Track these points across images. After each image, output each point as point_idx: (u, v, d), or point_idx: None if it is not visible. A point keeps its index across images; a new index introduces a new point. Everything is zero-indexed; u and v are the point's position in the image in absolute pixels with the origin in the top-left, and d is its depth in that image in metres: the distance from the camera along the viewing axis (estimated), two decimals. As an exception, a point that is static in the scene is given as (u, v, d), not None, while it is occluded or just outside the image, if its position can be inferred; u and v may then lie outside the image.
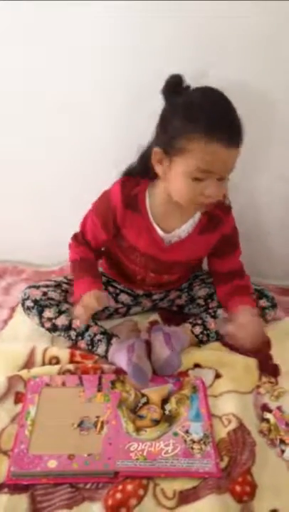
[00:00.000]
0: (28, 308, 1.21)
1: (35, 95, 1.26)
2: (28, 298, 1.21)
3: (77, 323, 1.18)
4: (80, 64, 1.20)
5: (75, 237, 1.23)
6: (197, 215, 1.14)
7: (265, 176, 1.35)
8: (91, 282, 1.13)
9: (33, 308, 1.20)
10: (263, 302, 1.26)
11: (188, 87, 0.98)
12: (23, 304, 1.22)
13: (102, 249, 1.28)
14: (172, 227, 1.13)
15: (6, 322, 1.32)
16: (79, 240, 1.22)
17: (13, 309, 1.37)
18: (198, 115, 0.92)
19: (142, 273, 1.24)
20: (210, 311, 1.28)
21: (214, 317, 1.25)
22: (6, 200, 1.47)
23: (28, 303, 1.21)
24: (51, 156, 1.36)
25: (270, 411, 1.05)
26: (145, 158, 1.07)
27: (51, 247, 1.55)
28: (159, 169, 1.02)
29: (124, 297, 1.34)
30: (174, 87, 0.97)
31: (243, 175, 1.22)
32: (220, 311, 1.25)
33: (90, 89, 1.23)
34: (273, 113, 1.24)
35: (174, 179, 1.00)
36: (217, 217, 1.14)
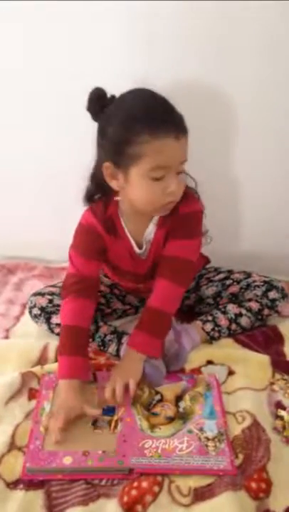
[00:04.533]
0: (36, 316, 1.22)
1: (36, 90, 1.26)
2: (34, 306, 1.22)
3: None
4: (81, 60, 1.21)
5: (65, 286, 1.14)
6: (155, 218, 1.12)
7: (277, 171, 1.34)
8: (72, 367, 1.04)
9: (40, 315, 1.21)
10: (273, 294, 1.25)
11: (113, 96, 0.99)
12: (30, 312, 1.24)
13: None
14: (143, 235, 1.13)
15: (18, 318, 1.33)
16: (70, 288, 1.12)
17: (24, 306, 1.37)
18: (136, 117, 0.93)
19: (133, 287, 1.26)
20: (220, 307, 1.27)
21: (225, 313, 1.24)
22: (17, 197, 1.47)
23: (35, 311, 1.22)
24: (64, 152, 1.36)
25: (284, 408, 1.05)
26: (96, 177, 1.05)
27: (62, 244, 1.54)
28: (114, 184, 1.01)
29: (130, 299, 1.34)
30: (99, 100, 0.97)
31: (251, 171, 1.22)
32: (230, 307, 1.25)
33: (93, 84, 1.23)
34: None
35: (133, 187, 0.98)
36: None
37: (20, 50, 1.21)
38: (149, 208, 1.02)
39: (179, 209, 1.08)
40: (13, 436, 0.97)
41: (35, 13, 1.15)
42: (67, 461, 0.91)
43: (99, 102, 0.97)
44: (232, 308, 1.24)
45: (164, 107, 0.94)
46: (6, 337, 1.27)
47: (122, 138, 0.94)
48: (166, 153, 0.93)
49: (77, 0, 1.10)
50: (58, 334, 1.20)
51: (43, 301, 1.22)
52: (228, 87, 1.19)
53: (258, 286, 1.27)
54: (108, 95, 0.98)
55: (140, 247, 1.15)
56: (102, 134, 1.00)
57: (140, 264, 1.17)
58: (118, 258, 1.17)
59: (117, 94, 1.15)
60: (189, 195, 1.10)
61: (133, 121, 0.93)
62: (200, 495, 0.87)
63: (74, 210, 1.39)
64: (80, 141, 1.31)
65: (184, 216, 1.09)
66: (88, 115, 1.26)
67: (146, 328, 1.10)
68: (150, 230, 1.13)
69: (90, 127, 1.28)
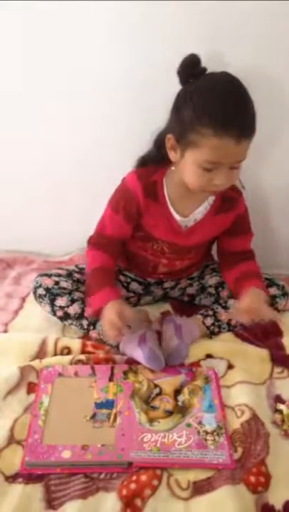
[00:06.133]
0: (40, 296, 1.21)
1: (36, 87, 1.25)
2: (40, 286, 1.21)
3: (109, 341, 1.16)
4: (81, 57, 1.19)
5: (91, 240, 1.21)
6: (211, 197, 1.15)
7: (272, 166, 1.34)
8: (110, 293, 1.10)
9: (45, 296, 1.20)
10: (274, 290, 1.25)
11: (204, 69, 0.97)
12: (34, 292, 1.22)
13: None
14: (188, 212, 1.14)
15: (16, 312, 1.32)
16: (95, 241, 1.20)
17: (23, 299, 1.37)
18: (207, 110, 0.92)
19: (154, 261, 1.24)
20: (221, 301, 1.27)
21: (225, 308, 1.24)
22: (16, 191, 1.46)
23: (40, 291, 1.21)
24: (56, 147, 1.35)
25: (283, 402, 1.05)
26: (159, 143, 1.07)
27: (61, 238, 1.55)
28: (172, 155, 1.03)
29: (135, 286, 1.33)
30: (190, 68, 0.97)
31: (250, 165, 1.21)
32: (231, 302, 1.25)
33: (93, 79, 1.22)
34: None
35: (185, 167, 1.01)
36: (230, 198, 1.16)
37: (21, 50, 1.19)
38: (194, 189, 1.04)
39: (236, 210, 1.18)
40: (12, 430, 0.97)
41: (35, 13, 1.14)
42: (66, 454, 0.91)
43: (190, 69, 0.97)
44: (233, 303, 1.24)
45: (238, 109, 0.93)
46: (5, 331, 1.26)
47: (188, 122, 0.95)
48: (222, 153, 0.94)
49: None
50: (59, 318, 1.21)
51: (49, 282, 1.21)
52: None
53: None
54: (201, 65, 0.97)
55: (183, 215, 1.15)
56: (176, 105, 1.00)
57: (179, 234, 1.17)
58: (154, 224, 1.16)
59: (117, 95, 1.16)
60: (239, 191, 1.17)
61: (204, 113, 0.93)
62: (199, 488, 0.87)
63: (73, 205, 1.39)
64: (79, 135, 1.32)
65: (241, 217, 1.21)
66: (87, 114, 1.27)
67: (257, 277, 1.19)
68: (200, 210, 1.15)
69: (88, 124, 1.29)
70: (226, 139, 0.91)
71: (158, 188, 1.11)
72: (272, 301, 1.23)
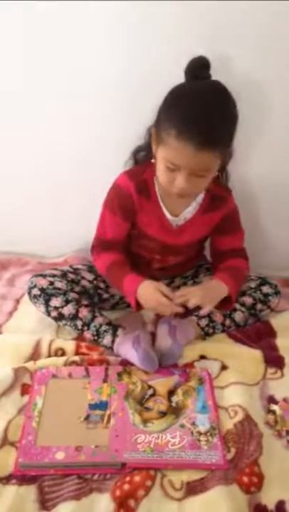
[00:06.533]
0: (35, 296, 1.21)
1: (36, 87, 1.25)
2: (34, 286, 1.21)
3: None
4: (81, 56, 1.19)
5: (94, 248, 1.25)
6: (200, 196, 1.16)
7: (265, 168, 1.35)
8: (137, 276, 1.13)
9: (39, 296, 1.20)
10: (266, 289, 1.26)
11: (208, 75, 1.00)
12: (29, 293, 1.22)
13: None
14: (179, 211, 1.17)
15: (10, 314, 1.32)
16: (99, 247, 1.23)
17: (17, 301, 1.37)
18: (179, 111, 0.95)
19: (148, 257, 1.26)
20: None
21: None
22: (10, 191, 1.46)
23: (35, 291, 1.21)
24: (55, 147, 1.35)
25: (276, 402, 1.05)
26: (149, 133, 1.10)
27: (55, 239, 1.54)
28: (153, 148, 1.06)
29: None
30: (196, 69, 0.99)
31: (242, 167, 1.22)
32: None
33: (93, 79, 1.22)
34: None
35: (157, 162, 1.04)
36: (219, 197, 1.18)
37: (21, 50, 1.19)
38: (163, 186, 1.06)
39: (224, 208, 1.19)
40: (5, 431, 0.97)
41: (35, 13, 1.14)
42: (60, 456, 0.92)
43: (195, 71, 0.99)
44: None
45: (206, 118, 0.93)
46: (-1, 332, 1.26)
47: (162, 119, 0.98)
48: (180, 156, 0.95)
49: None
50: (54, 318, 1.21)
51: (43, 283, 1.21)
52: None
53: (253, 280, 1.28)
54: (208, 70, 1.00)
55: (174, 214, 1.17)
56: (163, 101, 1.01)
57: (170, 232, 1.18)
58: (147, 222, 1.18)
59: (117, 95, 1.16)
60: (227, 189, 1.20)
61: (174, 114, 0.95)
62: (192, 489, 0.87)
63: (67, 206, 1.39)
64: (79, 135, 1.32)
65: (230, 215, 1.21)
66: (86, 109, 1.27)
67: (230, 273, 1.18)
68: (189, 210, 1.17)
69: (88, 124, 1.29)
70: (184, 143, 0.93)
71: (150, 186, 1.13)
72: (265, 299, 1.25)
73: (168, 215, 1.16)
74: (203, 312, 1.12)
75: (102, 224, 1.21)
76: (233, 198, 1.21)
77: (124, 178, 1.14)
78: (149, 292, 1.07)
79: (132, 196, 1.12)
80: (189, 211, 1.17)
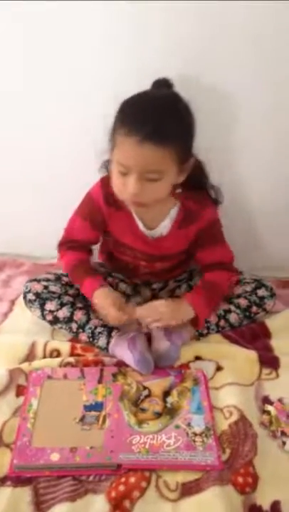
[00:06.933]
0: (30, 301, 1.21)
1: (36, 87, 1.25)
2: (29, 291, 1.21)
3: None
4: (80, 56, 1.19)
5: (61, 246, 1.25)
6: (174, 211, 1.16)
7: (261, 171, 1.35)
8: (95, 281, 1.16)
9: (34, 301, 1.20)
10: (262, 291, 1.26)
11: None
12: (24, 297, 1.23)
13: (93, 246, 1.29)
14: (155, 224, 1.17)
15: (6, 315, 1.32)
16: (66, 245, 1.24)
17: (13, 302, 1.36)
18: (127, 110, 0.98)
19: (133, 263, 1.27)
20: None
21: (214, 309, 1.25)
22: (5, 192, 1.46)
23: (30, 296, 1.21)
24: (50, 148, 1.35)
25: (271, 403, 1.05)
26: None
27: (50, 240, 1.53)
28: (110, 157, 1.06)
29: (123, 287, 1.34)
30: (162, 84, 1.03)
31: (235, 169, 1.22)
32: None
33: (90, 82, 1.22)
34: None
35: (111, 170, 1.04)
36: (192, 211, 1.16)
37: (20, 50, 1.19)
38: (118, 195, 1.05)
39: (198, 223, 1.16)
40: (0, 432, 0.96)
41: (35, 13, 1.14)
42: (55, 457, 0.92)
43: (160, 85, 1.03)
44: (221, 305, 1.25)
45: (152, 111, 0.95)
46: (-6, 333, 1.26)
47: (115, 123, 0.99)
48: (125, 152, 0.96)
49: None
50: (49, 322, 1.21)
51: (38, 287, 1.22)
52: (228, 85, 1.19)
53: (248, 283, 1.28)
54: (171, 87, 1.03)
55: (149, 228, 1.17)
56: (119, 107, 1.02)
57: (146, 242, 1.19)
58: (120, 232, 1.19)
59: (117, 95, 1.16)
60: (202, 203, 1.16)
61: (123, 112, 0.98)
62: (187, 490, 0.88)
63: (62, 207, 1.38)
64: (75, 135, 1.32)
65: (205, 230, 1.18)
66: (82, 113, 1.26)
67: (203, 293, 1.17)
68: (165, 224, 1.17)
69: (88, 124, 1.28)
70: (129, 139, 0.93)
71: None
72: (260, 302, 1.25)
73: (142, 228, 1.16)
74: (151, 326, 1.15)
75: (71, 226, 1.22)
76: (210, 211, 1.18)
77: (97, 186, 1.14)
78: (100, 301, 1.13)
79: (100, 208, 1.13)
80: (165, 225, 1.17)
